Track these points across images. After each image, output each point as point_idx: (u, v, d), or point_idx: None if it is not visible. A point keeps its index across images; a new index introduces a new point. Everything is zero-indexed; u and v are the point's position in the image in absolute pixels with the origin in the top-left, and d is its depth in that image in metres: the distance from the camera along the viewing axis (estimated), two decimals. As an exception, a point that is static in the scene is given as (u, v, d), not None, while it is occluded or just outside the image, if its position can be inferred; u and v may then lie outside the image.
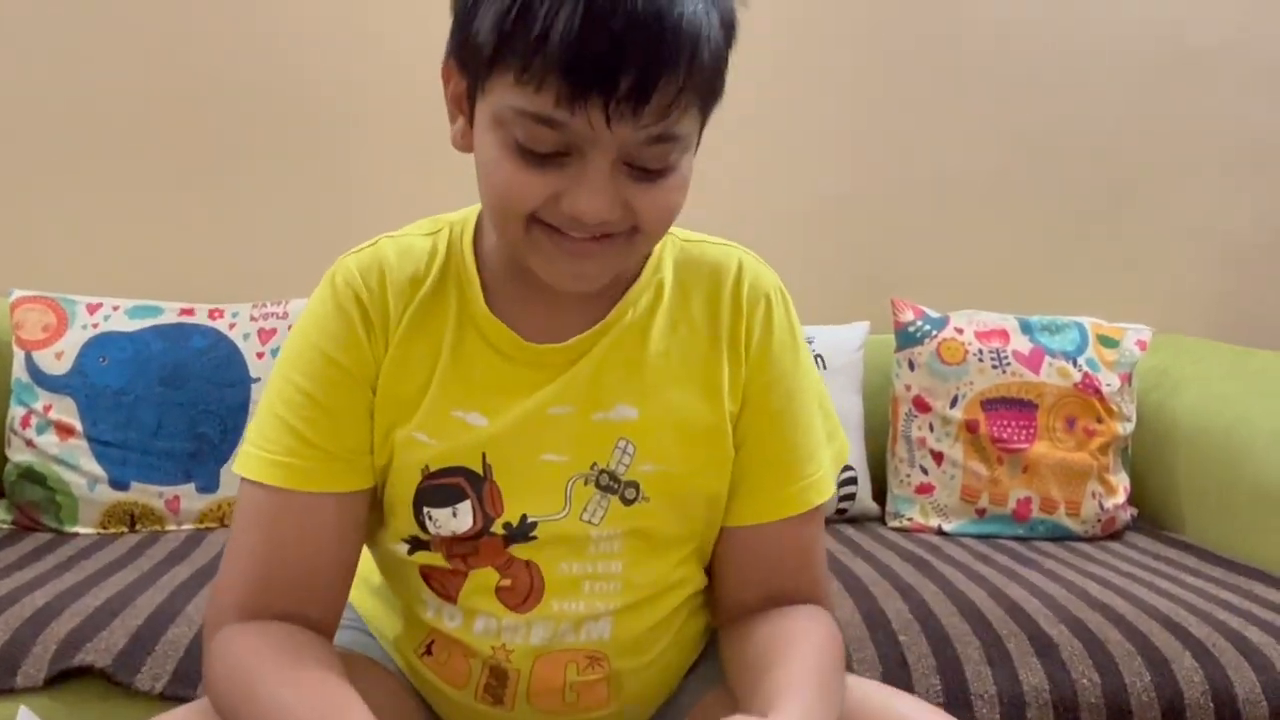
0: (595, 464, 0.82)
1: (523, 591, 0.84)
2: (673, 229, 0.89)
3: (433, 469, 0.82)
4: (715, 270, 0.87)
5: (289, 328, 1.70)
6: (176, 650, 1.18)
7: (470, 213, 0.87)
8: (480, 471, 0.82)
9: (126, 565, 1.47)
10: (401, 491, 0.83)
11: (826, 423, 0.89)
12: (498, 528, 0.82)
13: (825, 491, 0.87)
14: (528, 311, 0.83)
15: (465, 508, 0.82)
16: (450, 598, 0.85)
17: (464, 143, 0.77)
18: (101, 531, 1.70)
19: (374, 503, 0.85)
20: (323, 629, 0.81)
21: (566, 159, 0.70)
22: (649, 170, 0.71)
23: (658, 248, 0.87)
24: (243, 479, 0.80)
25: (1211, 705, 1.18)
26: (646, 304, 0.85)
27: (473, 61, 0.71)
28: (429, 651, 0.88)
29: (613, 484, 0.83)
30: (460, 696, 0.88)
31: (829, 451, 0.88)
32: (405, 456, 0.82)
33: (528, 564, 0.83)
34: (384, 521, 0.87)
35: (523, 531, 0.83)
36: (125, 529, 1.71)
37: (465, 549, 0.84)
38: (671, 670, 0.92)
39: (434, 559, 0.85)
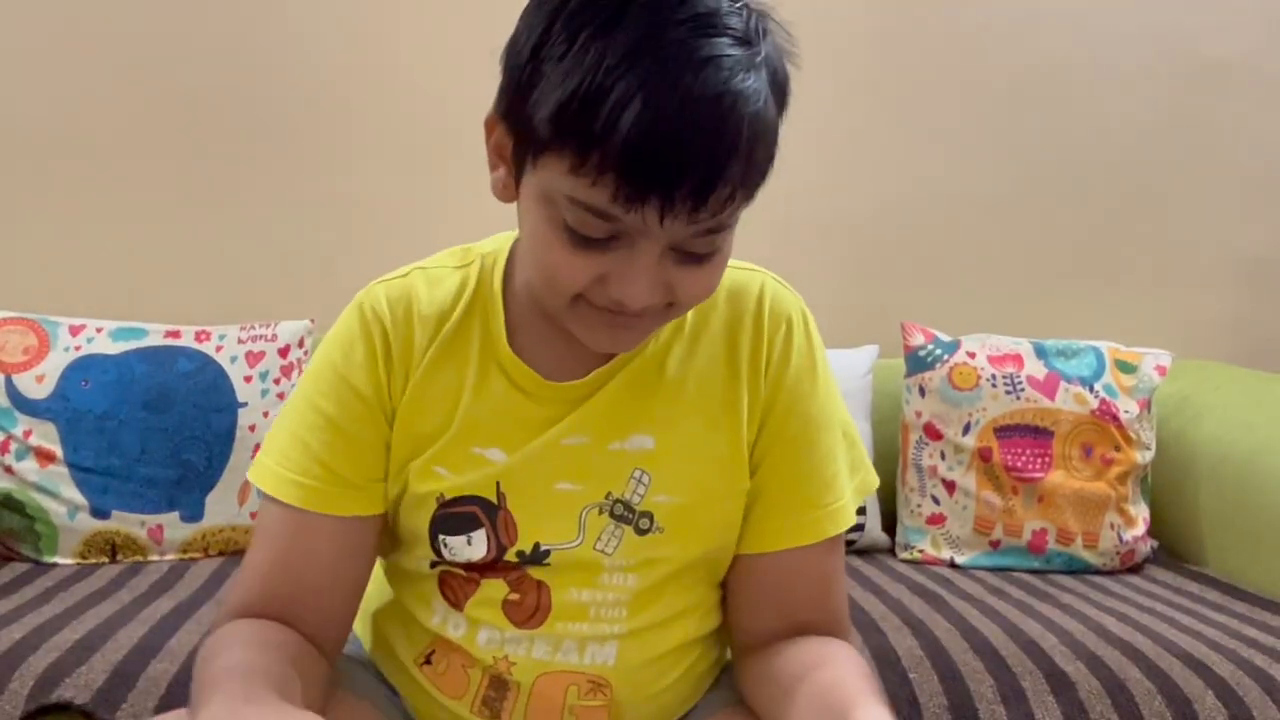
0: (610, 493, 0.83)
1: (529, 609, 0.85)
2: None
3: (448, 498, 0.83)
4: (737, 294, 0.87)
5: (278, 351, 1.78)
6: (158, 687, 1.15)
7: (502, 245, 0.87)
8: (495, 500, 0.83)
9: (107, 597, 1.45)
10: (418, 522, 0.84)
11: (852, 453, 0.88)
12: (511, 555, 0.84)
13: (842, 522, 0.86)
14: (549, 350, 0.84)
15: (480, 536, 0.84)
16: (458, 605, 0.86)
17: (505, 195, 0.77)
18: (81, 562, 1.67)
19: (385, 526, 0.87)
20: (323, 649, 0.83)
21: (615, 243, 0.70)
22: (696, 254, 0.72)
23: None
24: (260, 491, 0.83)
25: (1237, 747, 1.16)
26: (667, 333, 0.85)
27: (525, 136, 0.70)
28: (428, 661, 0.88)
29: (627, 514, 0.84)
30: (457, 708, 0.87)
31: (852, 482, 0.88)
32: (421, 486, 0.83)
33: (539, 584, 0.85)
34: (398, 544, 0.89)
35: (536, 559, 0.84)
36: (106, 559, 1.68)
37: (479, 567, 0.86)
38: (676, 708, 0.91)
39: (451, 568, 0.87)
